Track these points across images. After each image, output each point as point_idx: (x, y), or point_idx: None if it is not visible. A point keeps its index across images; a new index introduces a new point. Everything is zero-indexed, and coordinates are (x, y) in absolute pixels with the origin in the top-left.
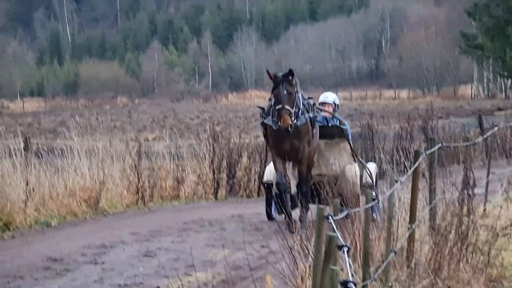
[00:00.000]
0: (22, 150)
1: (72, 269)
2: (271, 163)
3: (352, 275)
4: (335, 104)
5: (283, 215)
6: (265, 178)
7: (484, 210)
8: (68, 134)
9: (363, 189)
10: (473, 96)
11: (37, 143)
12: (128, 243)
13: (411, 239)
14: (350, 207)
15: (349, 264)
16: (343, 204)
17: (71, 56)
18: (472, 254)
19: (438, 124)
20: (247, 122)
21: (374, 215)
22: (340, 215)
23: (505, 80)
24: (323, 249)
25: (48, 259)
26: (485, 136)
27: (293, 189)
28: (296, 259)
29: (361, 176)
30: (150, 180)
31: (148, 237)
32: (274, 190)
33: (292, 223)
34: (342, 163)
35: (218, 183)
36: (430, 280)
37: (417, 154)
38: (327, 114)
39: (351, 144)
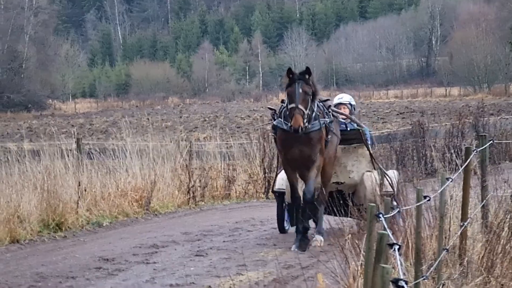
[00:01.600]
0: (74, 150)
1: (124, 269)
2: (283, 171)
3: (404, 274)
4: (351, 105)
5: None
6: (277, 186)
7: None
8: (119, 135)
9: (383, 197)
10: None
11: (89, 144)
12: (180, 243)
13: (463, 236)
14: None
15: (400, 262)
16: (361, 214)
17: (123, 57)
18: None
19: (490, 121)
20: None
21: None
22: (392, 213)
23: None
24: (374, 247)
25: (100, 259)
26: None
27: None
28: (347, 258)
29: (381, 185)
30: (201, 180)
31: (199, 236)
32: (287, 199)
33: (304, 240)
34: (360, 171)
35: (269, 182)
36: (483, 278)
37: (468, 152)
38: (343, 117)
39: (370, 149)
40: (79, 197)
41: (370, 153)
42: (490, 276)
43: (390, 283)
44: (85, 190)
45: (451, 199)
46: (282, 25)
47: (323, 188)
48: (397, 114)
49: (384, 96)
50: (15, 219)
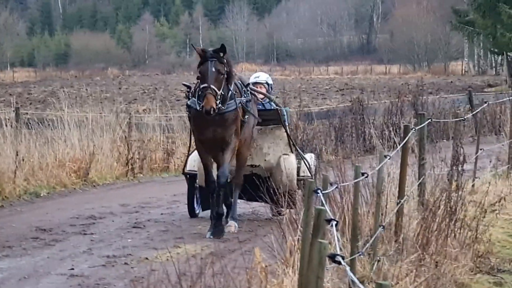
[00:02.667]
0: (13, 120)
1: (61, 240)
2: (195, 152)
3: (340, 249)
4: (268, 85)
5: (210, 211)
6: (188, 168)
7: (473, 186)
8: (58, 105)
9: (300, 183)
10: (463, 72)
11: (27, 113)
12: (118, 215)
13: (399, 214)
14: (286, 203)
15: (337, 238)
16: (277, 200)
17: (62, 27)
18: (460, 229)
19: (428, 99)
20: None
21: None
22: (330, 189)
23: (496, 57)
24: (312, 222)
25: (37, 229)
26: (474, 112)
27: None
28: (284, 233)
29: (298, 168)
30: (140, 152)
31: (137, 208)
32: (199, 182)
33: (219, 227)
34: (277, 153)
35: None
36: (418, 255)
37: (406, 130)
38: (261, 96)
39: (288, 131)
40: (16, 166)
41: (288, 135)
42: (425, 253)
43: (327, 258)
44: (23, 160)
45: (388, 176)
46: None
47: (239, 171)
48: (337, 91)
49: (325, 72)
50: None
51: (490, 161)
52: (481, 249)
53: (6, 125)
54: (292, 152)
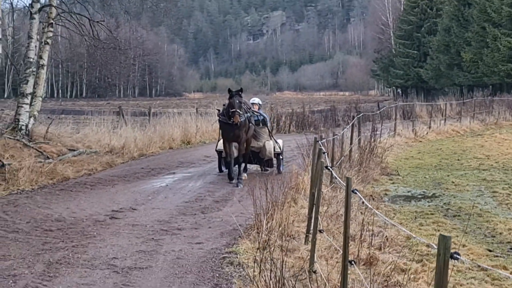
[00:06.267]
0: (194, 112)
1: (210, 162)
2: (221, 140)
3: (328, 164)
4: (259, 104)
5: (227, 171)
6: (218, 147)
7: (380, 140)
8: (213, 106)
9: (275, 154)
10: (375, 95)
11: (201, 110)
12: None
13: (351, 151)
14: (269, 164)
15: (326, 159)
16: (263, 163)
17: (213, 76)
18: (374, 157)
19: (361, 105)
20: (283, 104)
21: (281, 168)
22: (322, 140)
23: (388, 89)
24: (316, 153)
25: (205, 156)
26: (380, 110)
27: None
28: (304, 158)
29: (274, 147)
30: None
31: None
32: (223, 155)
33: (232, 177)
34: (263, 140)
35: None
36: (358, 168)
37: (353, 117)
38: (255, 109)
39: (269, 129)
40: (196, 131)
41: (269, 131)
42: (360, 166)
43: (325, 168)
44: (199, 128)
45: (346, 136)
46: (277, 65)
47: (247, 148)
48: (324, 102)
49: (318, 95)
50: (170, 139)
51: (387, 130)
52: (383, 165)
53: (191, 114)
54: (271, 139)
